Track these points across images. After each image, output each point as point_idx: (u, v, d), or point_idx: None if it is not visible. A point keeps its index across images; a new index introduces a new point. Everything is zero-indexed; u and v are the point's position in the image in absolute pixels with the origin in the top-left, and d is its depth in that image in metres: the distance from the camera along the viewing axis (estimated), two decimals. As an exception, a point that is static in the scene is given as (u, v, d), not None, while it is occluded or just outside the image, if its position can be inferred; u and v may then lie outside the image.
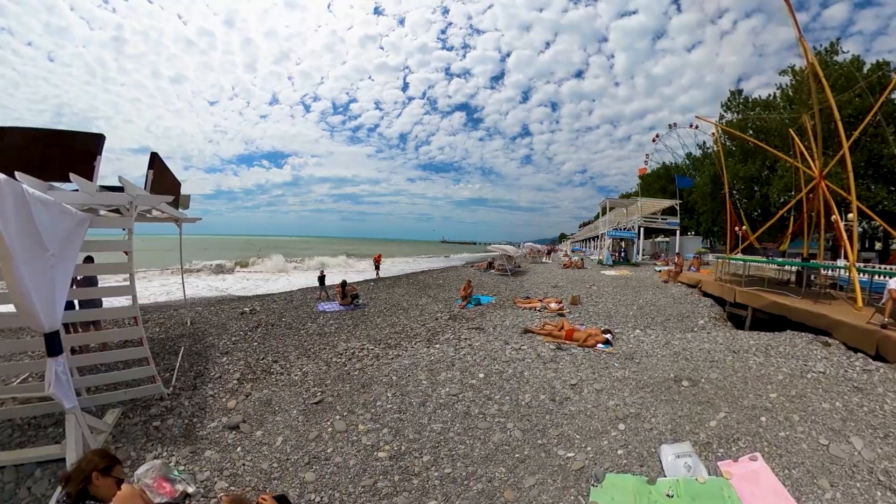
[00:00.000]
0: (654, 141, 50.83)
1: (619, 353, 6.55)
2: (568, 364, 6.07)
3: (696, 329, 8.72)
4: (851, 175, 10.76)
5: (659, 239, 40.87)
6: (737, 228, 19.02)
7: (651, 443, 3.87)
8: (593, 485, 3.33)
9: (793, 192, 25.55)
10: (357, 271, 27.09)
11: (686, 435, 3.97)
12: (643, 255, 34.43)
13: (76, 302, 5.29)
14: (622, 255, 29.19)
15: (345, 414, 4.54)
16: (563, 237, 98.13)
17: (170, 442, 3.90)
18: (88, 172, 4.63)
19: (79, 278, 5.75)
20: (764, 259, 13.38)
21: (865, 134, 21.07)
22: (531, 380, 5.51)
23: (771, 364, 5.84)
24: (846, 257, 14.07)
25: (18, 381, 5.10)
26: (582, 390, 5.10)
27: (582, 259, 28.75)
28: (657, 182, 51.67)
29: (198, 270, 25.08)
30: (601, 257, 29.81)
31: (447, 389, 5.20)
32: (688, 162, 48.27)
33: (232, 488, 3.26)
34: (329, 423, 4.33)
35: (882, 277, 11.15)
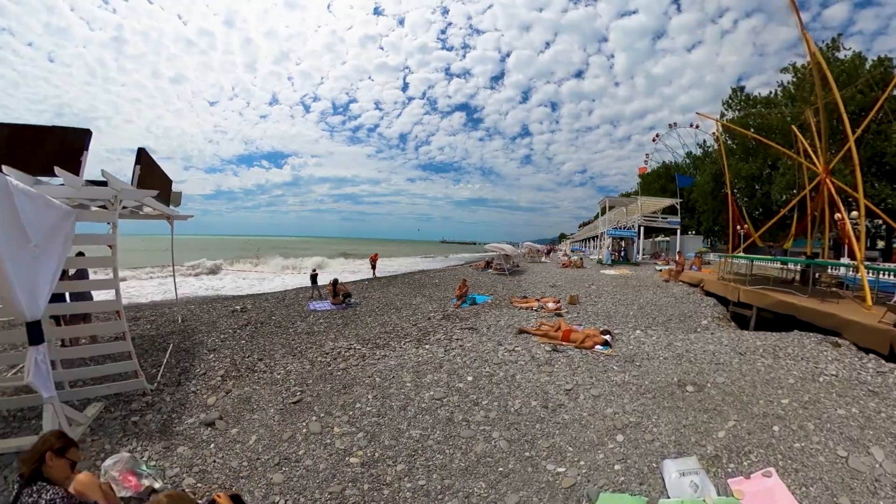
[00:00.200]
0: (654, 140, 50.49)
1: (618, 356, 6.18)
2: (563, 367, 5.70)
3: (699, 329, 8.34)
4: (858, 170, 10.39)
5: (659, 238, 40.53)
6: (738, 227, 18.69)
7: (652, 457, 3.49)
8: (585, 506, 2.95)
9: (795, 191, 25.24)
10: (351, 271, 26.78)
11: (692, 447, 3.60)
12: (643, 254, 34.07)
13: (67, 294, 5.42)
14: (622, 254, 28.80)
15: (322, 415, 4.35)
16: (562, 237, 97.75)
17: (145, 437, 3.87)
18: (75, 167, 4.64)
19: (72, 272, 5.89)
20: (769, 257, 12.99)
21: (868, 131, 20.74)
22: (523, 384, 5.14)
23: (780, 367, 5.47)
24: (850, 255, 13.78)
25: (12, 372, 5.21)
26: (577, 396, 4.72)
27: (581, 259, 28.37)
28: (657, 181, 51.27)
29: (196, 273, 24.81)
30: (600, 257, 29.45)
31: (431, 393, 4.88)
32: (688, 161, 47.92)
33: (199, 485, 3.17)
34: (305, 423, 4.18)
35: (889, 276, 10.81)
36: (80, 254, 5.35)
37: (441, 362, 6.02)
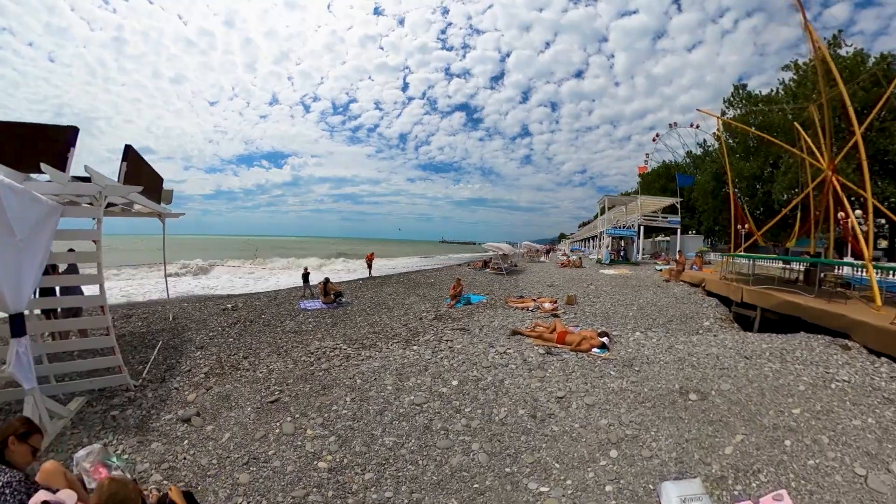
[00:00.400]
0: (654, 140, 50.02)
1: (616, 359, 5.81)
2: (557, 371, 5.33)
3: (701, 331, 7.97)
4: (866, 166, 10.02)
5: (659, 238, 40.15)
6: (739, 226, 18.34)
7: (649, 476, 3.13)
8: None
9: (797, 190, 24.88)
10: (347, 270, 26.44)
11: (695, 466, 3.23)
12: (643, 254, 33.69)
13: (57, 289, 5.52)
14: (621, 254, 28.40)
15: (297, 416, 4.25)
16: (562, 237, 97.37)
17: (123, 431, 3.89)
18: (62, 164, 4.74)
19: (62, 267, 6.13)
20: (773, 256, 12.62)
21: (871, 129, 20.39)
22: (511, 390, 4.78)
23: (789, 372, 5.11)
24: (853, 255, 13.43)
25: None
26: (570, 405, 4.36)
27: (580, 258, 27.99)
28: (657, 181, 50.83)
29: (186, 273, 24.56)
30: (600, 256, 29.08)
31: (412, 398, 4.61)
32: (688, 160, 47.52)
33: (164, 482, 3.15)
34: (279, 423, 4.09)
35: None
36: (71, 249, 5.46)
37: (427, 365, 5.74)
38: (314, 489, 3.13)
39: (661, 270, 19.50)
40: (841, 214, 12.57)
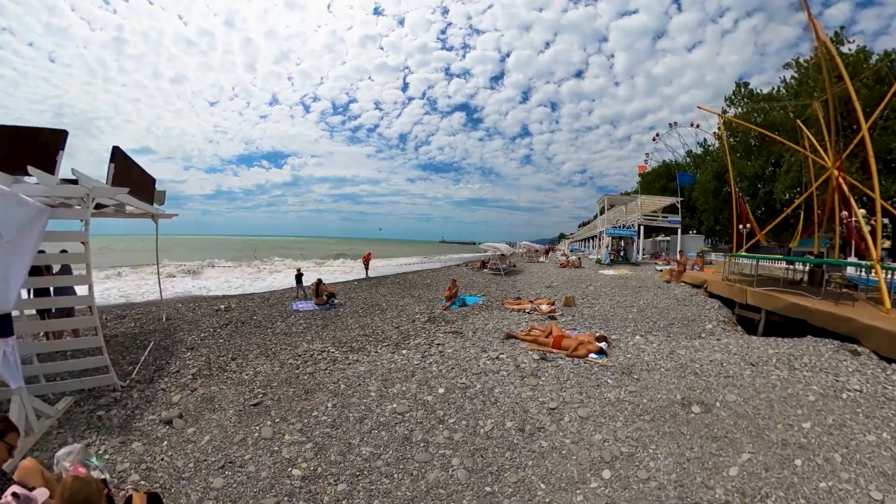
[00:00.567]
0: (654, 140, 49.60)
1: (614, 366, 5.51)
2: (551, 379, 5.04)
3: (703, 335, 7.66)
4: (873, 162, 9.72)
5: (659, 238, 39.81)
6: (741, 226, 18.04)
7: (646, 502, 2.83)
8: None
9: (799, 189, 24.56)
10: (344, 271, 26.16)
11: (696, 490, 2.93)
12: (643, 254, 33.37)
13: (52, 289, 5.56)
14: (621, 254, 28.06)
15: (277, 420, 4.17)
16: (562, 237, 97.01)
17: (106, 431, 3.90)
18: (51, 167, 4.77)
19: (56, 268, 6.26)
20: (779, 256, 12.30)
21: (875, 127, 20.07)
22: (500, 399, 4.50)
23: (797, 380, 4.81)
24: (857, 255, 13.12)
25: None
26: (562, 417, 4.06)
27: (579, 258, 27.68)
28: (657, 181, 50.43)
29: (178, 273, 24.28)
30: (599, 256, 28.76)
31: (394, 405, 4.40)
32: (688, 160, 47.16)
33: (142, 482, 3.15)
34: (259, 427, 4.02)
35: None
36: (64, 251, 5.54)
37: (414, 370, 5.51)
38: (285, 498, 3.04)
39: (661, 271, 19.19)
40: (844, 214, 12.27)
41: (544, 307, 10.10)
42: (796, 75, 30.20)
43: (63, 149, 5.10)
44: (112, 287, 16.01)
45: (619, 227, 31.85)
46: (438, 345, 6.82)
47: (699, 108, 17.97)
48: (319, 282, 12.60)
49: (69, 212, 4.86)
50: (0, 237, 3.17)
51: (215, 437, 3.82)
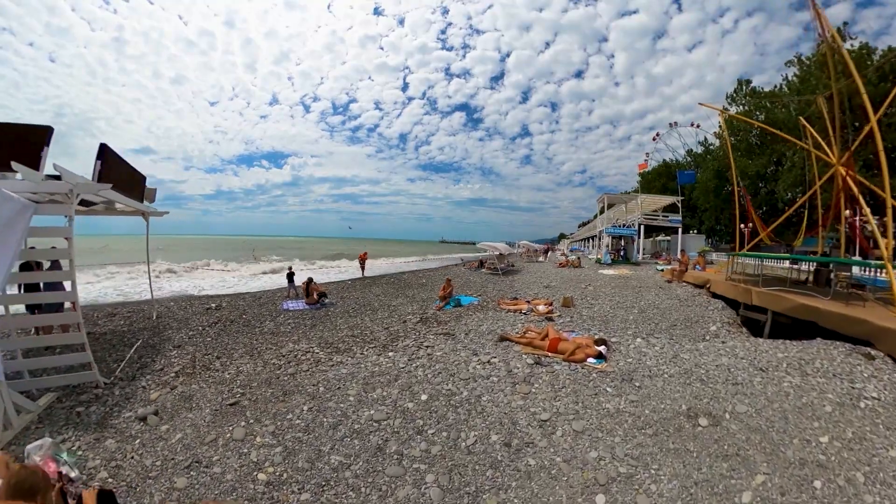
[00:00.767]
0: (654, 140, 49.20)
1: (614, 372, 5.14)
2: (545, 387, 4.67)
3: (708, 337, 7.28)
4: (884, 157, 9.35)
5: (660, 238, 39.45)
6: (743, 226, 17.69)
7: (652, 536, 2.48)
8: None
9: (801, 188, 24.21)
10: (339, 270, 25.82)
11: (709, 520, 2.57)
12: (643, 254, 33.00)
13: (42, 284, 5.65)
14: (621, 253, 27.67)
15: (251, 421, 4.05)
16: (562, 237, 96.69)
17: (83, 427, 3.88)
18: (36, 163, 4.80)
19: (46, 264, 6.34)
20: (786, 255, 11.92)
21: (879, 125, 19.69)
22: (488, 409, 4.14)
23: (812, 388, 4.45)
24: (860, 254, 12.76)
25: None
26: (554, 430, 3.69)
27: (579, 258, 27.30)
28: (658, 180, 50.05)
29: (187, 271, 24.06)
30: (599, 256, 28.37)
31: (372, 412, 4.15)
32: (689, 159, 46.78)
33: (110, 480, 3.11)
34: (231, 428, 3.92)
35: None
36: (54, 247, 5.56)
37: (398, 374, 5.20)
38: (246, 502, 2.93)
39: (662, 271, 18.83)
40: (847, 213, 11.91)
41: (541, 308, 9.74)
42: (798, 73, 29.88)
43: (48, 145, 5.12)
44: (109, 286, 15.94)
45: (619, 227, 31.42)
46: (427, 347, 6.50)
47: (700, 104, 17.63)
48: (310, 281, 12.34)
49: (54, 208, 4.81)
50: None
51: (187, 436, 3.75)
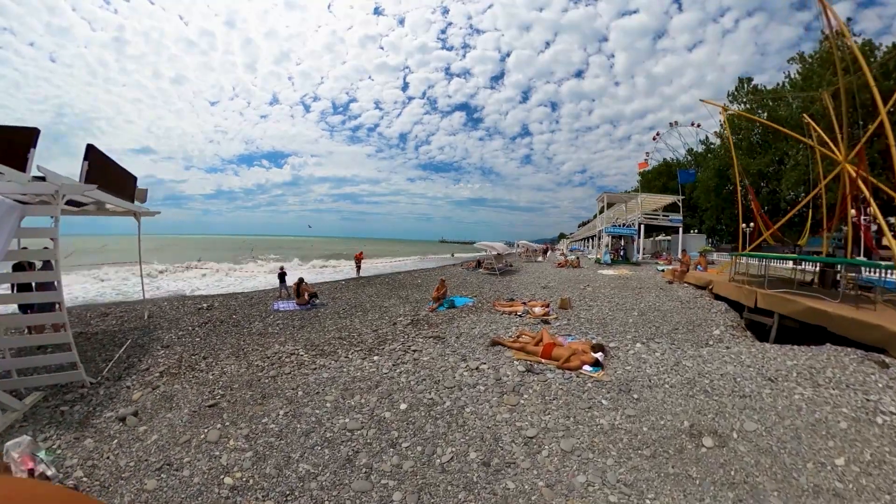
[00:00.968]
0: (654, 139, 48.73)
1: (610, 381, 4.78)
2: (534, 398, 4.32)
3: (711, 342, 6.92)
4: (895, 150, 8.96)
5: (660, 237, 39.04)
6: (744, 225, 17.31)
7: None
8: None
9: (804, 186, 23.80)
10: (334, 269, 25.49)
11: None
12: (643, 253, 32.60)
13: (33, 284, 5.70)
14: (621, 253, 27.28)
15: (227, 424, 3.97)
16: (562, 237, 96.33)
17: (65, 426, 3.91)
18: (22, 165, 4.87)
19: (39, 264, 6.34)
20: (793, 256, 11.55)
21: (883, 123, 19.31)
22: (470, 422, 3.82)
23: (824, 400, 4.09)
24: (865, 254, 12.40)
25: None
26: (540, 449, 3.33)
27: (578, 258, 26.92)
28: (658, 179, 49.59)
29: (185, 270, 23.86)
30: (598, 256, 27.98)
31: (346, 420, 3.95)
32: (689, 158, 46.35)
33: (85, 479, 3.10)
34: (207, 430, 3.86)
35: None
36: (46, 248, 5.66)
37: (380, 380, 4.94)
38: None
39: (663, 271, 18.46)
40: (852, 212, 11.55)
41: (538, 309, 9.39)
42: (801, 70, 29.46)
43: (34, 147, 5.16)
44: (108, 286, 15.88)
45: (619, 226, 31.02)
46: (415, 351, 6.21)
47: (702, 101, 17.25)
48: (301, 281, 12.08)
49: (44, 209, 4.88)
50: None
51: (162, 437, 3.73)
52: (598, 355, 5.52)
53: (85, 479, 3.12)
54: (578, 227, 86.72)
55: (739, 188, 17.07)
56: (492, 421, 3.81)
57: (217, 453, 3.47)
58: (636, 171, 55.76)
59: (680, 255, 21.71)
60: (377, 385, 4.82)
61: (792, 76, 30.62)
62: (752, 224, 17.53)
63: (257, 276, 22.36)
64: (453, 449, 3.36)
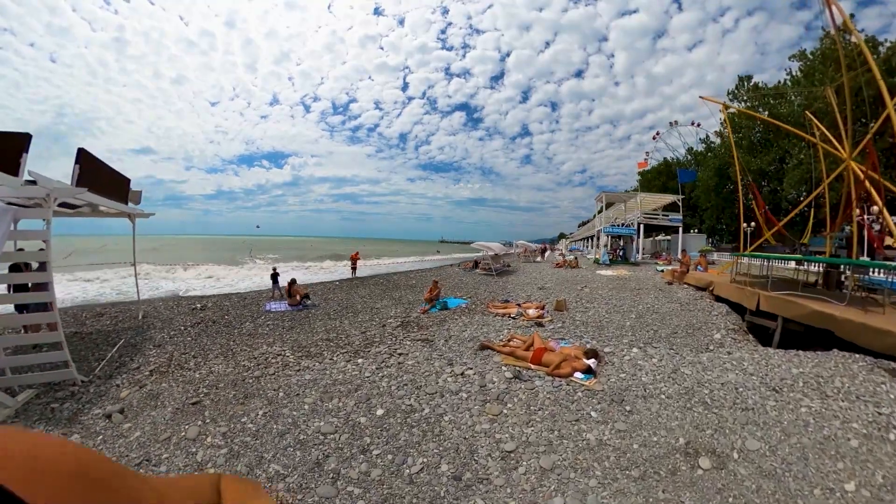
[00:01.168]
0: (654, 139, 48.41)
1: (602, 391, 4.46)
2: (519, 407, 4.01)
3: (711, 346, 6.59)
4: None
5: (660, 237, 38.70)
6: (745, 225, 16.99)
7: None
8: None
9: (807, 185, 23.45)
10: (328, 270, 25.22)
11: None
12: (643, 253, 32.26)
13: (29, 284, 5.77)
14: (620, 253, 26.93)
15: (207, 422, 3.99)
16: (562, 236, 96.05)
17: (54, 423, 3.98)
18: (15, 169, 4.88)
19: (34, 265, 6.54)
20: (799, 256, 11.22)
21: (887, 120, 18.98)
22: (447, 431, 3.57)
23: (833, 414, 3.77)
24: (869, 254, 12.07)
25: None
26: (517, 465, 3.03)
27: (577, 258, 26.57)
28: (658, 179, 49.32)
29: (181, 270, 23.69)
30: (597, 256, 27.64)
31: (321, 423, 3.87)
32: (689, 157, 46.02)
33: None
34: (187, 427, 3.88)
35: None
36: (42, 249, 5.75)
37: (361, 384, 4.78)
38: None
39: (662, 272, 18.13)
40: (856, 212, 11.23)
41: (532, 312, 9.07)
42: (802, 68, 29.13)
43: (27, 151, 5.23)
44: (107, 286, 15.96)
45: (618, 226, 30.67)
46: (400, 354, 5.97)
47: (702, 98, 16.89)
48: (293, 282, 11.87)
49: (38, 212, 4.99)
50: None
51: (144, 434, 3.76)
52: (591, 362, 5.19)
53: None
54: (578, 226, 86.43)
55: (741, 186, 16.70)
56: (470, 431, 3.52)
57: (194, 450, 3.50)
58: (636, 170, 55.56)
59: (680, 255, 21.39)
60: (357, 389, 4.65)
61: (794, 73, 30.30)
62: (752, 224, 17.20)
63: (252, 277, 22.11)
64: (424, 459, 3.12)
